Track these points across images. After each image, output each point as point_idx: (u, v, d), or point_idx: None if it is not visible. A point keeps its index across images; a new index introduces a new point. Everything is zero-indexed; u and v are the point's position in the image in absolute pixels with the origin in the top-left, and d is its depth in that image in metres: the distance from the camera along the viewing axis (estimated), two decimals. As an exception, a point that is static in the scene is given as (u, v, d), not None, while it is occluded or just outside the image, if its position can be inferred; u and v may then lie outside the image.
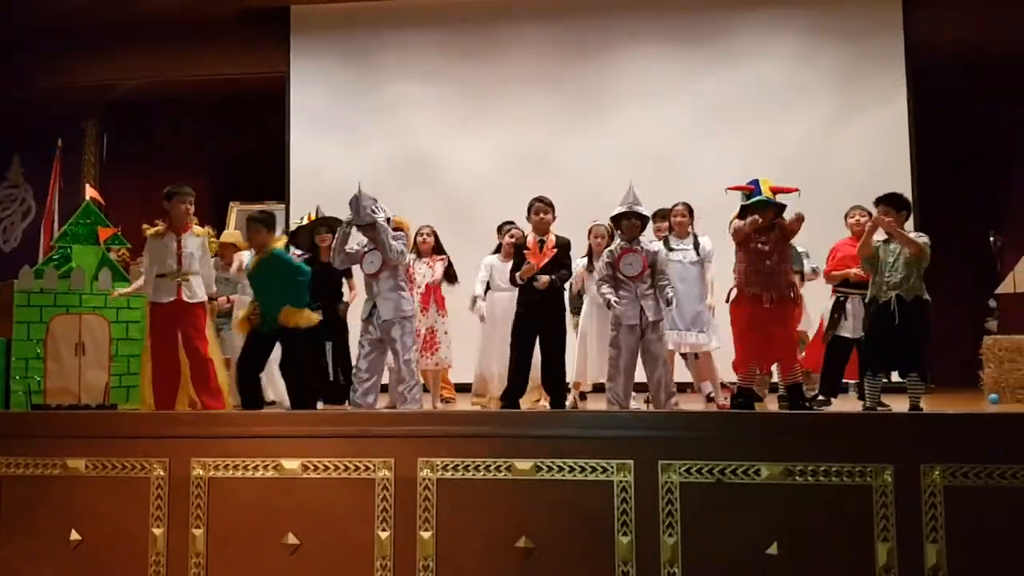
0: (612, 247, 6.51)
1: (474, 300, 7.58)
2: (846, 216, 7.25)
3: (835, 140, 10.39)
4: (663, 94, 10.72)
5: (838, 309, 6.94)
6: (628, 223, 6.42)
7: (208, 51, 11.46)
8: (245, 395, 6.54)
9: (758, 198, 6.08)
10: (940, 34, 10.35)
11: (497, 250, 7.60)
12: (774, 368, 6.90)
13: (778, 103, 10.52)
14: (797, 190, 6.26)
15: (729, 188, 6.34)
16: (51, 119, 11.79)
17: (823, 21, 10.54)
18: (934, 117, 10.42)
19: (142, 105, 12.58)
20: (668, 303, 6.29)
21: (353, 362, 6.91)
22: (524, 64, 10.95)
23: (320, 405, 6.94)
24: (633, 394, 6.50)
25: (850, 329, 6.95)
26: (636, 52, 10.79)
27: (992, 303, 10.10)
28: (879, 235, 6.10)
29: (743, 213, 6.17)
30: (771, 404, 6.95)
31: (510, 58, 11.01)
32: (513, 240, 7.25)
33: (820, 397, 6.97)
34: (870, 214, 7.08)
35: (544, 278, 6.57)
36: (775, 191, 6.12)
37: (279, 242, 6.71)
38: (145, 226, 6.84)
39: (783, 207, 6.19)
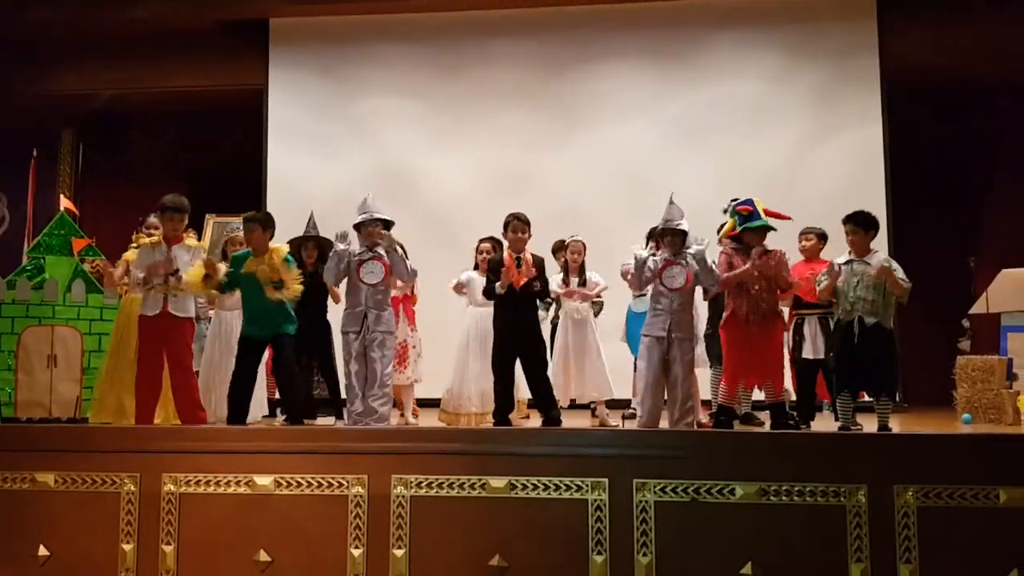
0: (656, 257, 6.33)
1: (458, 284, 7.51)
2: (800, 236, 7.25)
3: (810, 159, 10.46)
4: (640, 111, 10.76)
5: (798, 331, 6.95)
6: (669, 239, 6.29)
7: (187, 63, 11.42)
8: (236, 409, 6.42)
9: (759, 222, 6.15)
10: (915, 57, 10.45)
11: (476, 266, 7.56)
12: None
13: (754, 122, 10.58)
14: (790, 218, 6.30)
15: (735, 207, 6.32)
16: (27, 128, 11.72)
17: (799, 42, 10.62)
18: (909, 138, 10.51)
19: (119, 116, 12.51)
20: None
21: (342, 377, 6.88)
22: (502, 79, 10.98)
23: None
24: (623, 410, 6.44)
25: (811, 350, 6.96)
26: (613, 69, 10.83)
27: (965, 323, 10.17)
28: (843, 257, 6.16)
29: (740, 236, 6.24)
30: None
31: (488, 73, 11.03)
32: (483, 256, 7.25)
33: (792, 422, 6.94)
34: (819, 236, 7.15)
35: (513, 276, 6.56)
36: (768, 214, 6.17)
37: (282, 248, 6.60)
38: (137, 235, 6.77)
39: (773, 230, 6.28)
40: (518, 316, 6.57)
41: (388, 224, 6.59)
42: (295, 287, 6.42)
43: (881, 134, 10.30)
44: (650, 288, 6.37)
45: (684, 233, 6.26)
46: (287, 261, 6.48)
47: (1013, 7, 10.00)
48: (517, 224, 6.68)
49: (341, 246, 6.43)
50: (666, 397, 6.28)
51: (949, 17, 10.27)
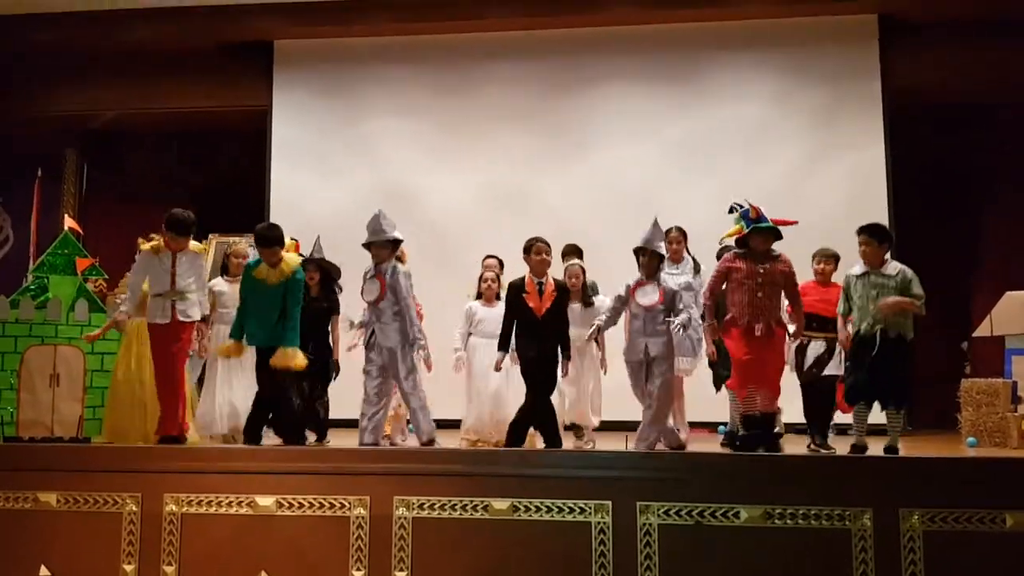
0: (629, 281, 6.39)
1: (456, 355, 7.41)
2: (813, 259, 7.24)
3: (812, 180, 10.45)
4: (642, 132, 10.76)
5: (800, 352, 6.89)
6: (644, 259, 6.33)
7: (191, 84, 11.45)
8: (253, 432, 6.35)
9: (766, 224, 6.11)
10: (917, 77, 10.46)
11: (478, 296, 7.51)
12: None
13: (756, 142, 10.58)
14: (796, 222, 6.30)
15: (741, 212, 6.30)
16: (31, 148, 11.75)
17: (801, 62, 10.63)
18: (911, 158, 10.52)
19: (123, 136, 12.55)
20: (683, 327, 6.24)
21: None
22: (504, 101, 10.99)
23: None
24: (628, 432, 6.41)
25: (835, 369, 6.93)
26: (615, 91, 10.85)
27: (964, 346, 10.13)
28: (858, 269, 6.14)
29: (745, 238, 6.21)
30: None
31: (490, 95, 11.05)
32: (488, 284, 7.27)
33: (813, 445, 6.83)
34: (834, 258, 7.14)
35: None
36: (775, 222, 6.15)
37: (294, 261, 6.58)
38: (140, 240, 6.79)
39: (780, 237, 6.25)
40: (543, 345, 6.44)
41: (396, 243, 6.61)
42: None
43: (883, 154, 10.30)
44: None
45: (661, 257, 6.32)
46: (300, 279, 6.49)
47: (1011, 25, 10.06)
48: (541, 247, 6.58)
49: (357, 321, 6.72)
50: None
51: (950, 36, 10.28)
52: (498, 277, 7.41)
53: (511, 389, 7.03)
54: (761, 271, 6.08)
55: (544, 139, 10.91)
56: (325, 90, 11.33)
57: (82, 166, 12.35)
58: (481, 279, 7.39)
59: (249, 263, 6.68)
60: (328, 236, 7.60)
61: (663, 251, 6.33)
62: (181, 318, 6.39)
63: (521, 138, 10.91)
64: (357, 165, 11.18)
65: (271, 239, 6.46)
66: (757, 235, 6.15)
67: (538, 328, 6.45)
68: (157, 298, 6.40)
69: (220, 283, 7.51)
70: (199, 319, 6.58)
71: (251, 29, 11.07)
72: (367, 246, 6.56)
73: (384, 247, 6.52)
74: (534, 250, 6.58)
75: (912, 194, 10.49)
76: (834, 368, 6.84)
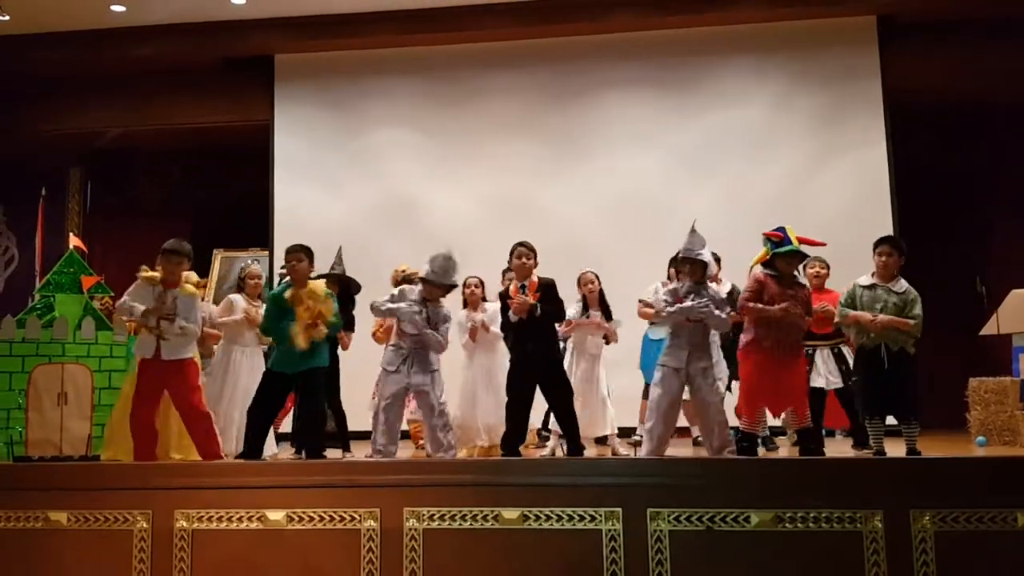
0: (676, 286, 6.24)
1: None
2: (804, 266, 7.23)
3: (816, 183, 10.47)
4: (644, 139, 10.79)
5: (808, 362, 6.89)
6: (689, 268, 6.19)
7: (193, 100, 11.51)
8: (252, 442, 6.36)
9: (790, 247, 6.10)
10: (917, 78, 10.50)
11: (465, 303, 7.56)
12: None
13: (758, 147, 10.60)
14: (824, 244, 6.36)
15: (764, 233, 6.29)
16: (35, 167, 11.81)
17: (802, 66, 10.66)
18: (914, 160, 10.53)
19: (126, 153, 12.59)
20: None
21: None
22: (504, 110, 11.03)
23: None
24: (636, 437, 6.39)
25: (824, 380, 6.95)
26: (617, 98, 10.87)
27: (982, 290, 10.08)
28: (864, 279, 6.16)
29: (772, 261, 6.20)
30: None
31: (491, 105, 11.08)
32: (470, 290, 7.43)
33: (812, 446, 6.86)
34: (827, 264, 7.16)
35: (520, 302, 6.48)
36: (802, 241, 6.14)
37: (321, 283, 6.58)
38: (144, 267, 6.79)
39: (806, 257, 6.29)
40: (530, 346, 6.51)
41: (449, 288, 6.60)
42: (323, 329, 6.37)
43: (885, 156, 10.32)
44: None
45: (704, 264, 6.17)
46: (328, 295, 6.49)
47: (1009, 24, 10.11)
48: (521, 251, 6.68)
49: (403, 306, 6.45)
50: (694, 426, 6.26)
51: (949, 36, 10.35)
52: (481, 284, 7.54)
53: (489, 394, 7.28)
54: (790, 293, 6.08)
55: (547, 147, 10.94)
56: (327, 104, 11.38)
57: (86, 184, 12.42)
58: (464, 286, 7.46)
59: (273, 293, 6.66)
60: (332, 249, 7.62)
61: (707, 258, 6.15)
62: (164, 356, 6.29)
63: (524, 147, 10.94)
64: (360, 177, 11.21)
65: (309, 253, 6.50)
66: (781, 259, 6.15)
67: (528, 329, 6.51)
68: (144, 331, 6.35)
69: (238, 299, 7.49)
70: (189, 356, 6.44)
71: (251, 44, 11.13)
72: (424, 280, 6.52)
73: (439, 289, 6.52)
74: (515, 254, 6.70)
75: (914, 194, 10.50)
76: (821, 381, 6.89)
